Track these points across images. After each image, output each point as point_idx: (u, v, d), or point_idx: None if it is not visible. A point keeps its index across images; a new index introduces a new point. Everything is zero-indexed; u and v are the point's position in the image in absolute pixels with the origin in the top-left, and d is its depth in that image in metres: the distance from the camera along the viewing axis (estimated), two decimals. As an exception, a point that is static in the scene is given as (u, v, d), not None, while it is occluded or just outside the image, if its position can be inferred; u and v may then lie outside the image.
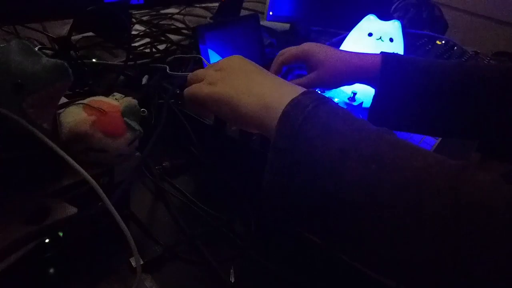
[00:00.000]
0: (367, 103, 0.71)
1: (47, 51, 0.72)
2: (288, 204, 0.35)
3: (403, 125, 0.62)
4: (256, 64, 0.45)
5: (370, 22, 0.79)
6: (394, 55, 0.61)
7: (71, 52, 0.67)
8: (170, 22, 1.06)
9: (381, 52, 0.61)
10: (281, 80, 0.42)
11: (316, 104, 0.34)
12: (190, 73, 0.49)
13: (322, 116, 0.34)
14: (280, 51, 0.67)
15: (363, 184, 0.30)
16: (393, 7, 1.25)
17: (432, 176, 0.29)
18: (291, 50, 0.65)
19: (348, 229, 0.32)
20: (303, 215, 0.34)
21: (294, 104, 0.35)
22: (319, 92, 0.40)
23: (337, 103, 0.38)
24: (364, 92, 0.71)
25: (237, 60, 0.45)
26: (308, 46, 0.64)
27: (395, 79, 0.58)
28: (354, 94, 0.72)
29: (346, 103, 0.73)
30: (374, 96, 0.60)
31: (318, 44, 0.65)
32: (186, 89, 0.45)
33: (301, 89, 0.38)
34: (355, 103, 0.73)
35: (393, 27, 0.79)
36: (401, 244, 0.29)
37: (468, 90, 0.57)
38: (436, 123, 0.60)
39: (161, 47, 0.86)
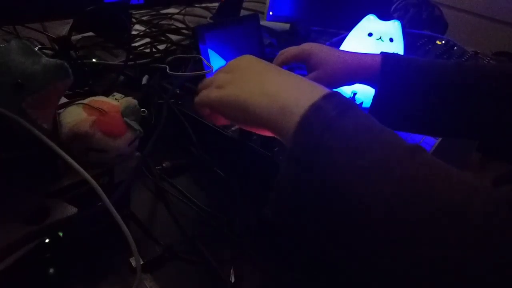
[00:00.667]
0: (367, 103, 0.71)
1: (47, 51, 0.72)
2: (300, 217, 0.32)
3: (403, 125, 0.62)
4: (268, 62, 0.42)
5: (370, 22, 0.79)
6: (394, 55, 0.60)
7: (71, 52, 0.67)
8: (170, 22, 1.06)
9: (381, 52, 0.61)
10: (298, 77, 0.38)
11: (339, 111, 0.31)
12: (200, 83, 0.45)
13: (347, 126, 0.30)
14: (281, 51, 0.67)
15: (389, 210, 0.27)
16: (393, 7, 1.25)
17: (472, 214, 0.25)
18: (291, 50, 0.65)
19: (361, 253, 0.29)
20: (314, 230, 0.32)
21: (314, 109, 0.32)
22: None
23: (359, 107, 0.34)
24: (364, 92, 0.71)
25: (246, 59, 0.42)
26: (308, 46, 0.64)
27: (395, 79, 0.58)
28: (354, 94, 0.72)
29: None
30: (374, 96, 0.60)
31: (319, 44, 0.65)
32: (196, 97, 0.43)
33: (321, 89, 0.35)
34: (355, 103, 0.73)
35: (393, 27, 0.79)
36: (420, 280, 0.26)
37: (468, 90, 0.57)
38: (436, 123, 0.60)
39: (161, 47, 0.86)
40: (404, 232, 0.26)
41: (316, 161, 0.30)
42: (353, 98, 0.72)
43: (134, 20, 0.99)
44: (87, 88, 0.63)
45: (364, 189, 0.28)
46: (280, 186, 0.33)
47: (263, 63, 0.42)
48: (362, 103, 0.72)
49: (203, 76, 0.68)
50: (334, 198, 0.29)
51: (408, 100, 0.58)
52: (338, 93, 0.34)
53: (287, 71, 0.40)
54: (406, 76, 0.58)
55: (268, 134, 0.37)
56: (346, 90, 0.73)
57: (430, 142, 0.74)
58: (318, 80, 0.61)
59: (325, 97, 0.33)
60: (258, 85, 0.37)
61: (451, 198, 0.26)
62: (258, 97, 0.36)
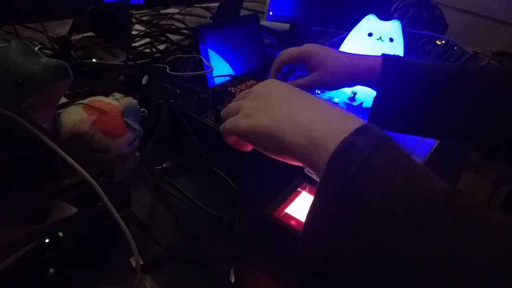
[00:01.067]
0: (367, 103, 0.71)
1: (47, 51, 0.72)
2: (329, 252, 0.32)
3: (404, 127, 0.62)
4: (294, 87, 0.41)
5: (370, 22, 0.79)
6: (395, 57, 0.60)
7: (71, 52, 0.67)
8: (170, 22, 1.06)
9: (382, 54, 0.61)
10: (327, 106, 0.37)
11: (372, 148, 0.30)
12: (223, 109, 0.45)
13: (380, 166, 0.29)
14: (281, 52, 0.67)
15: (424, 261, 0.26)
16: (393, 7, 1.25)
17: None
18: (292, 51, 0.65)
19: None
20: (343, 265, 0.31)
21: (346, 145, 0.31)
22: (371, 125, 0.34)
23: (395, 141, 0.32)
24: (364, 92, 0.71)
25: (272, 85, 0.41)
26: (309, 47, 0.64)
27: (396, 81, 0.58)
28: (354, 94, 0.72)
29: (346, 103, 0.73)
30: (375, 98, 0.60)
31: (319, 45, 0.65)
32: (222, 125, 0.42)
33: (353, 121, 0.33)
34: (355, 103, 0.73)
35: (393, 27, 0.79)
36: None
37: (469, 93, 0.57)
38: (437, 125, 0.60)
39: (161, 47, 0.86)
40: (436, 279, 0.26)
41: (348, 200, 0.29)
42: (353, 98, 0.73)
43: (134, 20, 0.99)
44: (87, 88, 0.63)
45: (398, 235, 0.27)
46: (310, 220, 0.32)
47: (289, 89, 0.40)
48: (362, 103, 0.73)
49: (203, 76, 0.68)
50: (366, 240, 0.29)
51: (408, 102, 0.58)
52: (371, 126, 0.33)
53: (314, 97, 0.39)
54: (407, 78, 0.58)
55: (298, 164, 0.36)
56: (346, 90, 0.74)
57: (430, 142, 0.74)
58: (318, 81, 0.61)
59: (358, 132, 0.32)
60: (287, 115, 0.36)
61: (487, 247, 0.26)
62: (288, 127, 0.35)
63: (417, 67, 0.59)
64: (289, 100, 0.38)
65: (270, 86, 0.41)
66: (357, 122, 0.33)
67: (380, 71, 0.58)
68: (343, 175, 0.30)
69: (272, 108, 0.37)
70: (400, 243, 0.27)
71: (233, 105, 0.43)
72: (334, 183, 0.30)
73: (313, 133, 0.34)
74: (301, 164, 0.36)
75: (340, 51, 0.66)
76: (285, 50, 0.66)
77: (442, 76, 0.58)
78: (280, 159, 0.39)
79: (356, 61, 0.61)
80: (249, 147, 0.43)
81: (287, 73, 0.70)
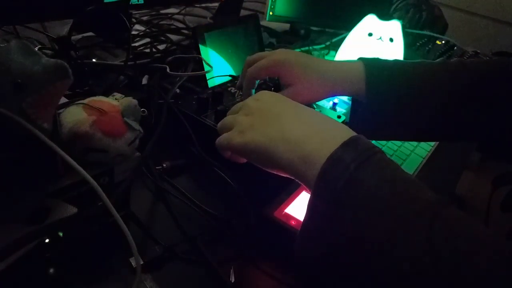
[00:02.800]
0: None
1: (47, 51, 0.72)
2: (321, 263, 0.33)
3: (400, 135, 0.61)
4: (287, 100, 0.41)
5: (370, 22, 0.79)
6: (375, 63, 0.57)
7: (71, 52, 0.67)
8: (170, 22, 1.06)
9: (362, 60, 0.57)
10: (319, 119, 0.38)
11: (358, 163, 0.31)
12: (219, 123, 0.45)
13: (367, 181, 0.30)
14: (248, 58, 0.58)
15: (413, 273, 0.27)
16: (393, 7, 1.25)
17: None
18: (262, 63, 0.55)
19: None
20: (333, 276, 0.32)
21: (333, 161, 0.31)
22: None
23: (383, 153, 0.33)
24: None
25: (266, 100, 0.41)
26: (280, 57, 0.56)
27: (381, 92, 0.55)
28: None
29: (346, 102, 0.73)
30: (364, 109, 0.57)
31: (292, 53, 0.58)
32: (217, 139, 0.43)
33: (341, 134, 0.34)
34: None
35: (393, 27, 0.79)
36: None
37: (455, 93, 0.55)
38: (430, 127, 0.58)
39: (161, 47, 0.86)
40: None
41: (337, 215, 0.30)
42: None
43: (134, 20, 0.99)
44: (87, 88, 0.63)
45: (387, 249, 0.28)
46: (303, 232, 0.33)
47: (281, 103, 0.41)
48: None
49: (203, 76, 0.68)
50: (355, 253, 0.29)
51: (398, 108, 0.56)
52: (359, 138, 0.33)
53: (306, 110, 0.40)
54: (393, 89, 0.55)
55: (291, 178, 0.37)
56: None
57: (430, 142, 0.74)
58: (296, 96, 0.53)
59: (344, 146, 0.32)
60: (279, 132, 0.37)
61: (474, 259, 0.26)
62: (279, 144, 0.36)
63: (401, 70, 0.56)
64: (281, 116, 0.38)
65: (263, 100, 0.41)
66: (344, 135, 0.34)
67: (365, 83, 0.55)
68: (331, 191, 0.30)
69: (264, 125, 0.38)
70: (388, 257, 0.28)
71: (228, 119, 0.44)
72: (324, 199, 0.31)
73: (304, 149, 0.34)
74: (296, 180, 0.37)
75: (317, 59, 0.59)
76: (252, 58, 0.58)
77: (428, 80, 0.56)
78: (274, 172, 0.39)
79: (335, 73, 0.56)
80: (244, 159, 0.44)
81: (261, 86, 0.63)
